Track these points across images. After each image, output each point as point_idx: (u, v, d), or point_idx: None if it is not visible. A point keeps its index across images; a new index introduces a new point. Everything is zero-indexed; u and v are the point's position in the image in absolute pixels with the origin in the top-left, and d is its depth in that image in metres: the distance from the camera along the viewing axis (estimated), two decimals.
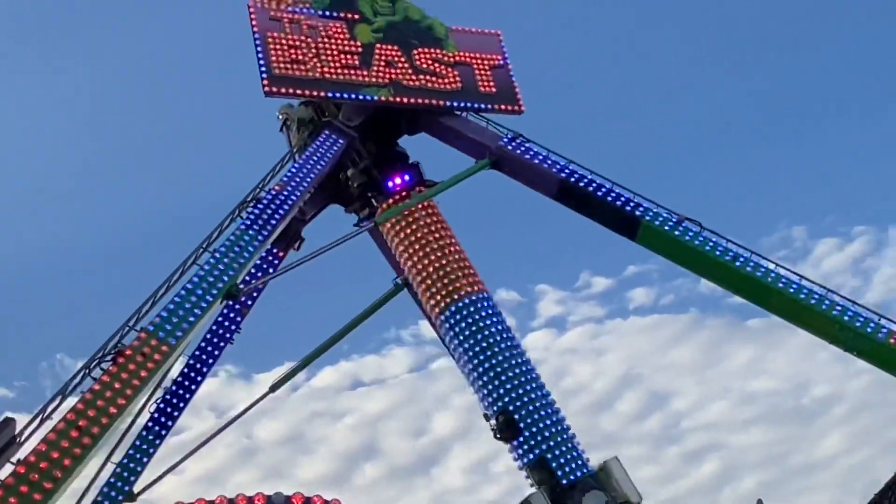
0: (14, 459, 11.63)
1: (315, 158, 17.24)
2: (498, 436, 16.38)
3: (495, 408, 16.36)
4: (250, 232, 15.17)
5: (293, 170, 16.98)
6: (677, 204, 17.17)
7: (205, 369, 18.23)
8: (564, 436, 16.23)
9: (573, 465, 15.82)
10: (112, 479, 17.30)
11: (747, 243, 16.75)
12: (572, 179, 17.33)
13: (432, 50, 18.95)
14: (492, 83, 19.08)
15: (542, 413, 16.29)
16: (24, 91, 52.85)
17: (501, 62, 19.44)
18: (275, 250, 18.45)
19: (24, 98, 53.59)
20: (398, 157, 18.81)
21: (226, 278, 14.54)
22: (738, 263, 16.21)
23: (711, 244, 16.45)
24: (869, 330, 15.47)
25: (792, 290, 15.97)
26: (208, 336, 18.16)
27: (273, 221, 15.61)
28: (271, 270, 18.37)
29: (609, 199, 17.05)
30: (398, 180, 18.24)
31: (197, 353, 18.14)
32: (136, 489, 17.51)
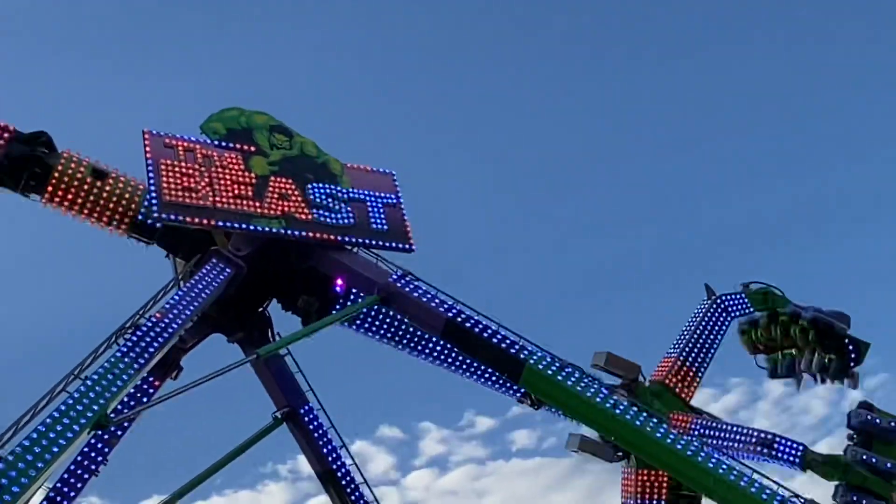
0: None
1: (200, 286, 16.56)
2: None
3: None
4: (126, 360, 14.29)
5: (177, 297, 16.22)
6: (564, 348, 17.35)
7: (65, 502, 16.90)
8: None
9: None
10: None
11: None
12: (458, 319, 17.10)
13: (327, 185, 18.78)
14: (384, 221, 18.93)
15: None
16: None
17: (394, 200, 19.35)
18: (151, 379, 17.56)
19: None
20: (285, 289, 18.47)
21: (96, 407, 13.59)
22: (617, 410, 16.15)
23: (593, 390, 16.38)
24: (742, 483, 15.53)
25: (668, 442, 15.92)
26: (72, 467, 16.91)
27: (151, 350, 14.76)
28: (145, 400, 17.42)
29: (494, 340, 16.87)
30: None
31: (59, 484, 16.83)
32: None
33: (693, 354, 21.15)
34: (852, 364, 20.10)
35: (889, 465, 17.08)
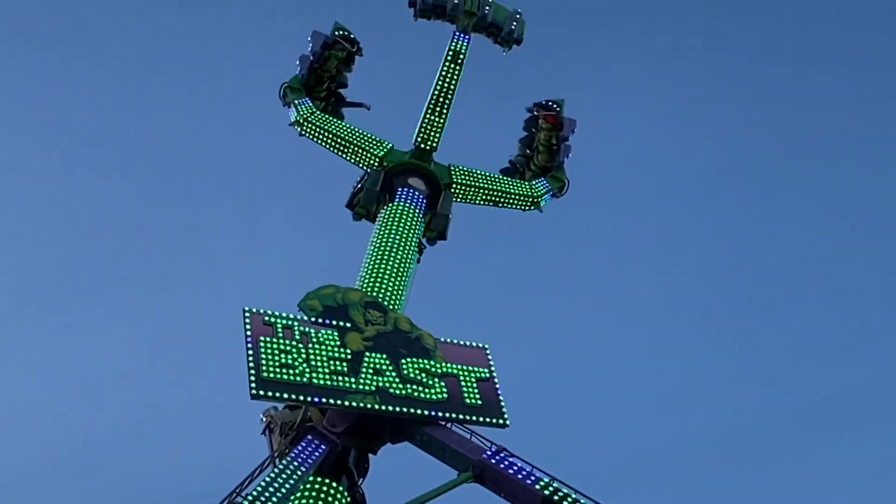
0: None
1: (296, 464, 14.82)
2: None
3: None
4: None
5: (272, 475, 14.45)
6: None
7: None
8: None
9: None
10: None
11: None
12: (555, 497, 15.02)
13: (420, 360, 17.22)
14: (477, 395, 17.17)
15: None
16: None
17: (487, 375, 17.65)
18: None
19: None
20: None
21: None
22: None
23: None
24: None
25: None
26: None
27: None
28: None
29: None
30: None
31: None
32: None
33: None
34: None
35: None
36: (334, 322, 17.00)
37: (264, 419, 17.19)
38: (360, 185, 22.21)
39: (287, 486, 14.41)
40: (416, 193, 21.37)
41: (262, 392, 15.30)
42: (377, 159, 22.40)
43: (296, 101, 23.26)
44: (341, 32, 24.04)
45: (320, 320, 16.94)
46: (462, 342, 18.19)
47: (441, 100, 23.32)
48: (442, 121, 23.10)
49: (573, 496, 15.05)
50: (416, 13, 25.11)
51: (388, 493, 17.19)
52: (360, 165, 22.69)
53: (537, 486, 15.13)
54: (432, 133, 22.89)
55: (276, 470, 14.73)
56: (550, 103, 24.62)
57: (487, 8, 25.01)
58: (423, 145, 22.79)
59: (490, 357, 18.00)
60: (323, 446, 15.48)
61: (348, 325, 17.11)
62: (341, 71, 24.36)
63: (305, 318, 16.94)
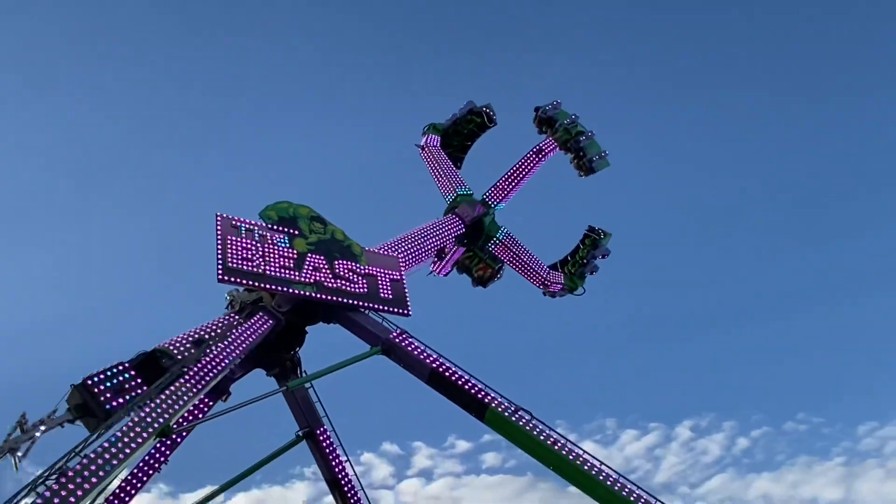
0: None
1: (248, 333, 16.93)
2: None
3: None
4: (186, 387, 14.67)
5: (228, 340, 16.57)
6: (527, 396, 17.21)
7: (133, 491, 17.14)
8: None
9: None
10: None
11: (574, 426, 16.85)
12: (440, 370, 17.30)
13: (349, 263, 19.20)
14: (389, 291, 19.32)
15: None
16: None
17: (398, 277, 19.80)
18: (206, 399, 17.88)
19: None
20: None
21: (161, 420, 13.91)
22: (555, 447, 16.21)
23: (538, 430, 16.48)
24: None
25: (593, 473, 15.98)
26: (141, 464, 17.19)
27: (207, 380, 15.14)
28: (200, 416, 17.72)
29: (466, 387, 17.03)
30: None
31: (129, 477, 17.10)
32: None
33: None
34: None
35: None
36: (286, 229, 18.77)
37: (228, 297, 19.06)
38: None
39: (241, 348, 16.50)
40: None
41: (226, 277, 17.13)
42: (456, 193, 24.66)
43: (430, 134, 26.32)
44: (486, 108, 26.68)
45: (275, 227, 18.65)
46: (381, 251, 20.22)
47: (516, 176, 25.44)
48: (510, 187, 25.25)
49: (454, 369, 17.43)
50: (536, 118, 26.91)
51: (317, 362, 19.53)
52: (444, 194, 25.02)
53: (427, 361, 17.50)
54: (499, 195, 25.07)
55: (234, 335, 16.76)
56: (600, 231, 26.90)
57: (583, 138, 26.30)
58: (489, 200, 24.94)
59: (401, 264, 20.17)
60: (271, 321, 17.67)
61: (296, 232, 18.90)
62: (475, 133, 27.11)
63: (264, 223, 18.62)
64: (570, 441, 16.93)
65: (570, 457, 16.28)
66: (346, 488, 19.09)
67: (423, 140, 26.38)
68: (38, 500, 11.81)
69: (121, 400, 14.11)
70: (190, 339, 15.91)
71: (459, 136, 26.95)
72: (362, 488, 19.23)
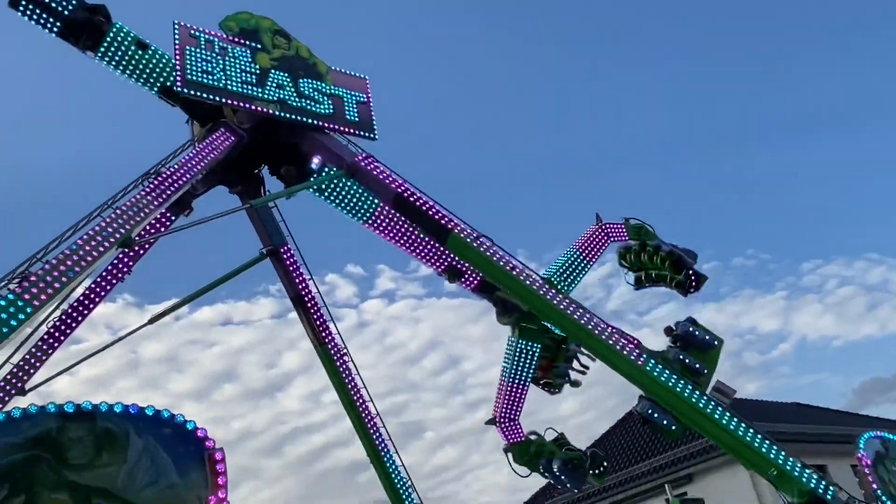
0: None
1: (210, 148, 16.73)
2: None
3: None
4: (148, 197, 14.58)
5: (192, 153, 16.40)
6: (489, 224, 17.58)
7: (97, 299, 17.46)
8: None
9: None
10: (8, 376, 16.30)
11: (534, 255, 17.49)
12: (405, 194, 17.49)
13: (314, 81, 18.71)
14: (356, 113, 19.02)
15: None
16: None
17: (365, 99, 19.42)
18: (168, 214, 17.89)
19: None
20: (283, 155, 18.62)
21: (123, 230, 13.90)
22: (513, 272, 16.85)
23: (498, 256, 17.01)
24: (596, 331, 16.41)
25: (547, 297, 16.74)
26: (104, 273, 17.42)
27: (169, 192, 15.04)
28: (163, 229, 17.83)
29: (429, 212, 17.32)
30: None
31: (93, 285, 17.35)
32: (27, 386, 16.59)
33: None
34: (691, 290, 19.88)
35: (698, 365, 17.12)
36: (248, 42, 18.04)
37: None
38: None
39: (203, 163, 16.36)
40: None
41: (185, 90, 16.68)
42: None
43: None
44: None
45: (236, 39, 17.90)
46: (348, 71, 19.63)
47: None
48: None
49: (418, 194, 17.63)
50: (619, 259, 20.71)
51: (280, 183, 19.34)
52: None
53: (392, 185, 17.62)
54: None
55: (195, 150, 16.57)
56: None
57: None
58: None
59: (369, 86, 19.66)
60: (233, 137, 17.41)
61: (259, 46, 18.17)
62: None
63: (224, 34, 17.84)
64: (527, 267, 17.59)
65: (527, 282, 16.94)
66: (308, 304, 19.67)
67: None
68: (2, 303, 11.88)
69: None
70: None
71: None
72: (325, 305, 19.82)
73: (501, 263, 16.97)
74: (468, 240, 17.06)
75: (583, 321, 16.57)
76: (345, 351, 19.89)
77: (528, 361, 20.24)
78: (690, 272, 19.94)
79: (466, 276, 20.28)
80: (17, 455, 9.20)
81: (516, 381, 20.12)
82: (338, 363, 19.80)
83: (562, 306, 16.74)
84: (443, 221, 17.31)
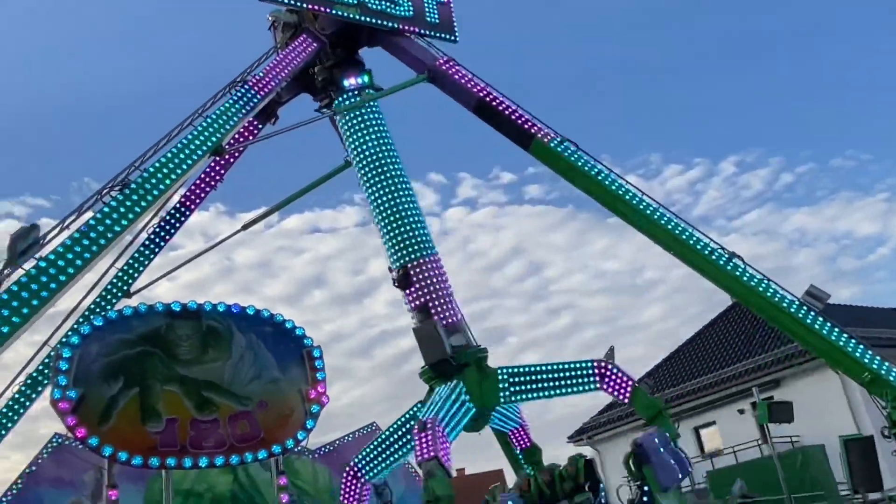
0: (38, 256, 11.44)
1: (293, 55, 16.79)
2: (396, 285, 16.63)
3: (396, 264, 16.59)
4: (237, 106, 14.84)
5: (275, 62, 16.47)
6: (572, 128, 17.22)
7: (193, 206, 18.15)
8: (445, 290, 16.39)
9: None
10: (114, 280, 17.29)
11: (619, 161, 17.08)
12: (487, 99, 17.16)
13: None
14: (436, 15, 18.62)
15: (430, 269, 16.47)
16: None
17: (445, 0, 18.94)
18: (255, 122, 18.21)
19: None
20: (356, 63, 18.40)
21: (214, 139, 14.27)
22: (599, 177, 16.52)
23: (582, 161, 16.68)
24: (685, 237, 16.06)
25: (634, 202, 16.39)
26: (198, 181, 18.01)
27: (255, 100, 15.25)
28: (251, 137, 18.20)
29: (513, 117, 16.98)
30: (353, 81, 17.90)
31: (188, 193, 18.00)
32: (132, 289, 17.59)
33: None
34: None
35: None
36: None
37: (270, 18, 18.55)
38: None
39: (287, 70, 16.45)
40: None
41: None
42: None
43: None
44: None
45: None
46: None
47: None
48: None
49: (501, 98, 17.12)
50: None
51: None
52: None
53: (475, 90, 17.23)
54: None
55: (278, 58, 16.63)
56: None
57: None
58: None
59: None
60: (315, 44, 17.39)
61: None
62: None
63: None
64: (613, 172, 17.19)
65: (613, 186, 16.61)
66: None
67: None
68: (106, 209, 12.46)
69: None
70: None
71: None
72: None
73: (587, 168, 16.66)
74: (552, 144, 16.75)
75: (670, 226, 16.23)
76: None
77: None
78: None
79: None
80: (130, 350, 9.89)
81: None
82: None
83: (648, 211, 16.39)
84: (525, 126, 17.01)
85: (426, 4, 18.55)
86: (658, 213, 16.40)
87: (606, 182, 16.60)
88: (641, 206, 16.47)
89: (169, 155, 13.53)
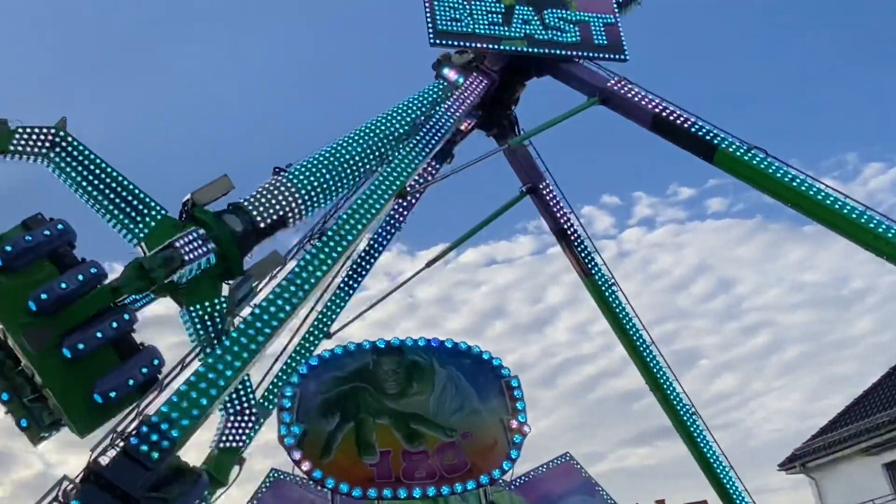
0: (252, 304, 12.35)
1: (466, 95, 17.26)
2: None
3: None
4: (417, 149, 15.42)
5: (448, 103, 16.96)
6: (760, 132, 16.44)
7: (380, 248, 18.98)
8: None
9: None
10: (315, 322, 18.39)
11: (810, 164, 16.03)
12: (664, 114, 16.74)
13: (558, 10, 18.50)
14: (604, 37, 18.52)
15: None
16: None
17: (612, 20, 18.82)
18: (432, 162, 18.83)
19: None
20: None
21: (399, 183, 14.86)
22: (794, 183, 15.55)
23: (774, 167, 15.80)
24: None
25: (837, 206, 15.26)
26: (383, 224, 18.84)
27: (434, 142, 15.80)
28: (430, 178, 18.81)
29: (692, 129, 16.43)
30: None
31: (374, 236, 18.87)
32: (332, 330, 18.62)
33: None
34: None
35: None
36: None
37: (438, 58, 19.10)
38: None
39: (461, 110, 16.91)
40: None
41: (438, 41, 17.32)
42: None
43: None
44: None
45: None
46: None
47: None
48: None
49: (678, 111, 16.76)
50: None
51: (534, 118, 19.55)
52: None
53: (649, 106, 16.89)
54: None
55: (451, 99, 17.12)
56: None
57: None
58: None
59: (615, 4, 19.01)
60: (485, 81, 17.83)
61: None
62: None
63: None
64: (809, 176, 16.13)
65: (812, 191, 15.57)
66: (572, 237, 19.83)
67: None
68: (307, 257, 13.33)
69: None
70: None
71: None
72: (588, 237, 19.85)
73: (780, 174, 15.74)
74: (738, 153, 16.00)
75: (881, 229, 14.91)
76: (612, 281, 19.85)
77: None
78: None
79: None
80: (343, 386, 10.51)
81: None
82: (606, 293, 19.81)
83: (854, 215, 15.14)
84: (707, 137, 16.39)
85: (593, 27, 18.51)
86: (866, 216, 15.14)
87: (803, 187, 15.57)
88: (845, 210, 15.28)
89: (359, 201, 14.24)
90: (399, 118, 16.05)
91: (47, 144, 11.98)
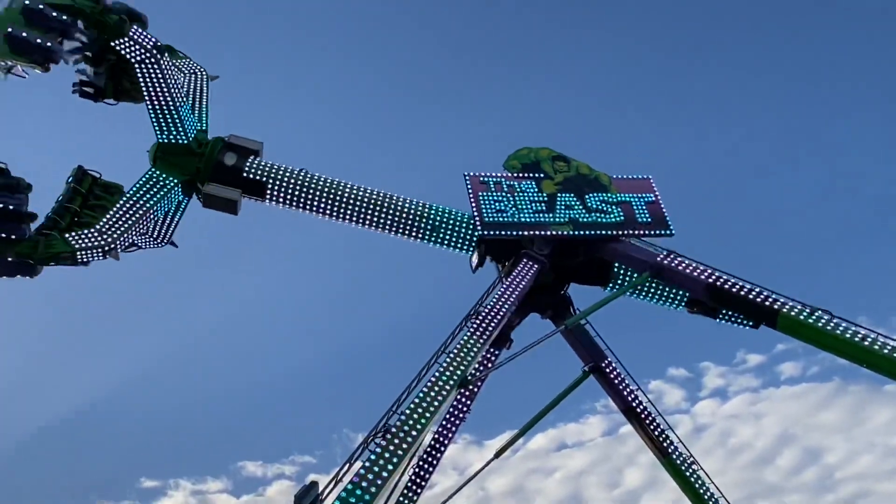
0: None
1: (518, 281, 17.57)
2: None
3: None
4: (474, 337, 15.58)
5: (502, 289, 17.34)
6: (821, 293, 16.20)
7: (447, 440, 18.64)
8: None
9: None
10: None
11: (880, 321, 15.52)
12: (718, 283, 16.77)
13: (599, 194, 19.24)
14: (647, 215, 19.03)
15: None
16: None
17: (653, 199, 19.42)
18: (492, 349, 18.88)
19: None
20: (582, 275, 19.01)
21: (459, 372, 14.90)
22: (865, 343, 15.06)
23: (842, 328, 15.38)
24: None
25: None
26: (448, 416, 18.63)
27: (490, 329, 15.98)
28: (490, 365, 18.79)
29: (750, 296, 16.34)
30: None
31: (440, 428, 18.60)
32: None
33: None
34: None
35: None
36: (531, 175, 19.27)
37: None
38: None
39: (514, 296, 17.18)
40: None
41: (486, 232, 18.13)
42: None
43: None
44: None
45: (520, 175, 19.22)
46: (630, 176, 19.89)
47: None
48: None
49: (732, 280, 16.76)
50: None
51: (588, 296, 19.74)
52: None
53: (702, 277, 17.00)
54: None
55: (504, 285, 17.51)
56: None
57: None
58: None
59: (654, 184, 19.70)
60: (535, 266, 18.22)
61: (541, 175, 19.32)
62: None
63: (509, 174, 19.25)
64: (880, 334, 15.62)
65: (885, 350, 15.01)
66: (643, 415, 19.27)
67: None
68: (372, 457, 13.18)
69: None
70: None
71: None
72: (659, 413, 19.24)
73: (848, 335, 15.29)
74: (801, 316, 15.71)
75: None
76: (692, 459, 18.95)
77: None
78: None
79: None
80: None
81: None
82: (687, 473, 18.86)
83: None
84: (767, 303, 16.20)
85: (635, 207, 19.09)
86: None
87: (876, 347, 15.05)
88: None
89: (421, 395, 14.27)
90: None
91: None
